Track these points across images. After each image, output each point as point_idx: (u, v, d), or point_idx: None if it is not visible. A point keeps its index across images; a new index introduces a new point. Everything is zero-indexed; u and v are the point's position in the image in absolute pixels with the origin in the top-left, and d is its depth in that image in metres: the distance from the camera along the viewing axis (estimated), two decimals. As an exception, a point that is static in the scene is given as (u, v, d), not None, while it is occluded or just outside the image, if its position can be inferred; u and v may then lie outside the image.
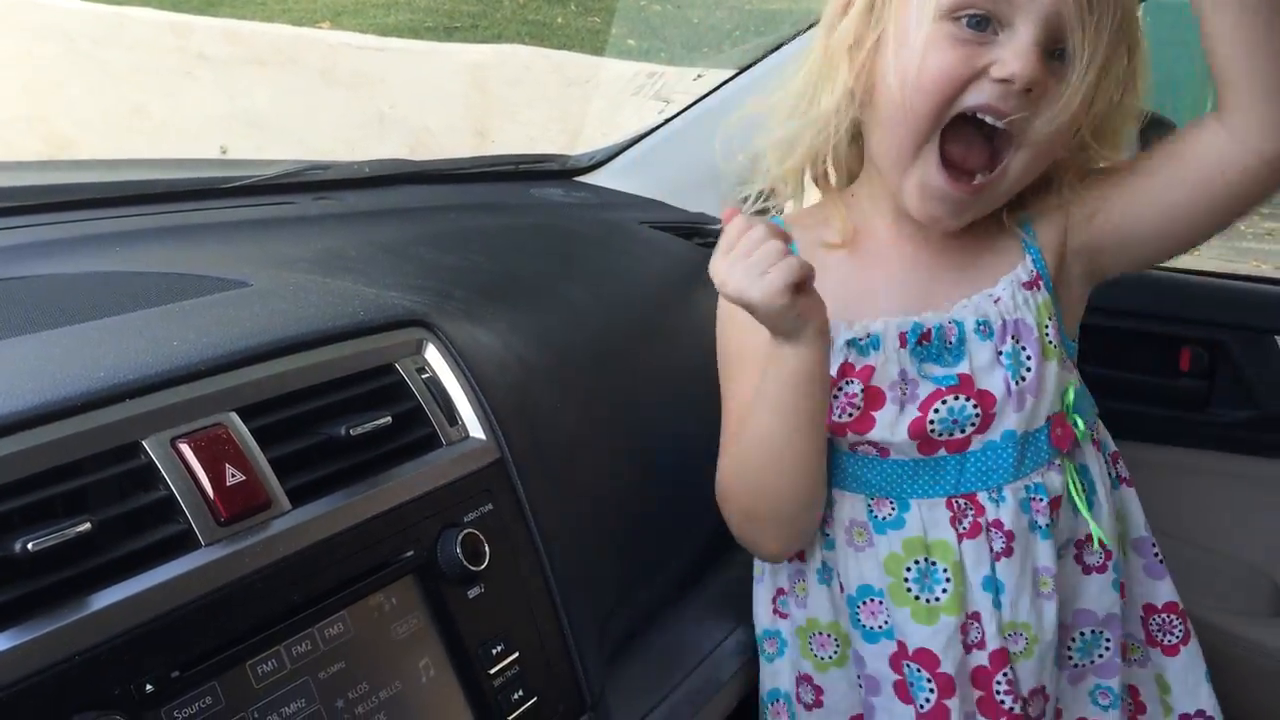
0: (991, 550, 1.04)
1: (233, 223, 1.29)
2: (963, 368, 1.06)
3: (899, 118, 1.02)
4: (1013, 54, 0.97)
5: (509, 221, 1.53)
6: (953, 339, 1.06)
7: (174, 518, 0.76)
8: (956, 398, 1.05)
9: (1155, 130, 1.97)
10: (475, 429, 0.97)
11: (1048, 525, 1.05)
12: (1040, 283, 1.09)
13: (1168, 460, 1.59)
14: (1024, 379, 1.05)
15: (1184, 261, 1.37)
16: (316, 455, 0.86)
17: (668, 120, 1.81)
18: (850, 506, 1.09)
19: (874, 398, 1.07)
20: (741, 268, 0.96)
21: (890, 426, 1.06)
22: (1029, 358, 1.06)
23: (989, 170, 1.02)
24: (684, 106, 1.80)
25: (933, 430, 1.05)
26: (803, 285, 0.95)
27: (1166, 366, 1.55)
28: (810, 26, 1.62)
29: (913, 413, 1.05)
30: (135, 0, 7.21)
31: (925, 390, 1.06)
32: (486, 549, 0.91)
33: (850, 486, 1.10)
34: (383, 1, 7.60)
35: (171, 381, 0.79)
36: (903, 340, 1.06)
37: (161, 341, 0.83)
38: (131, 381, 0.77)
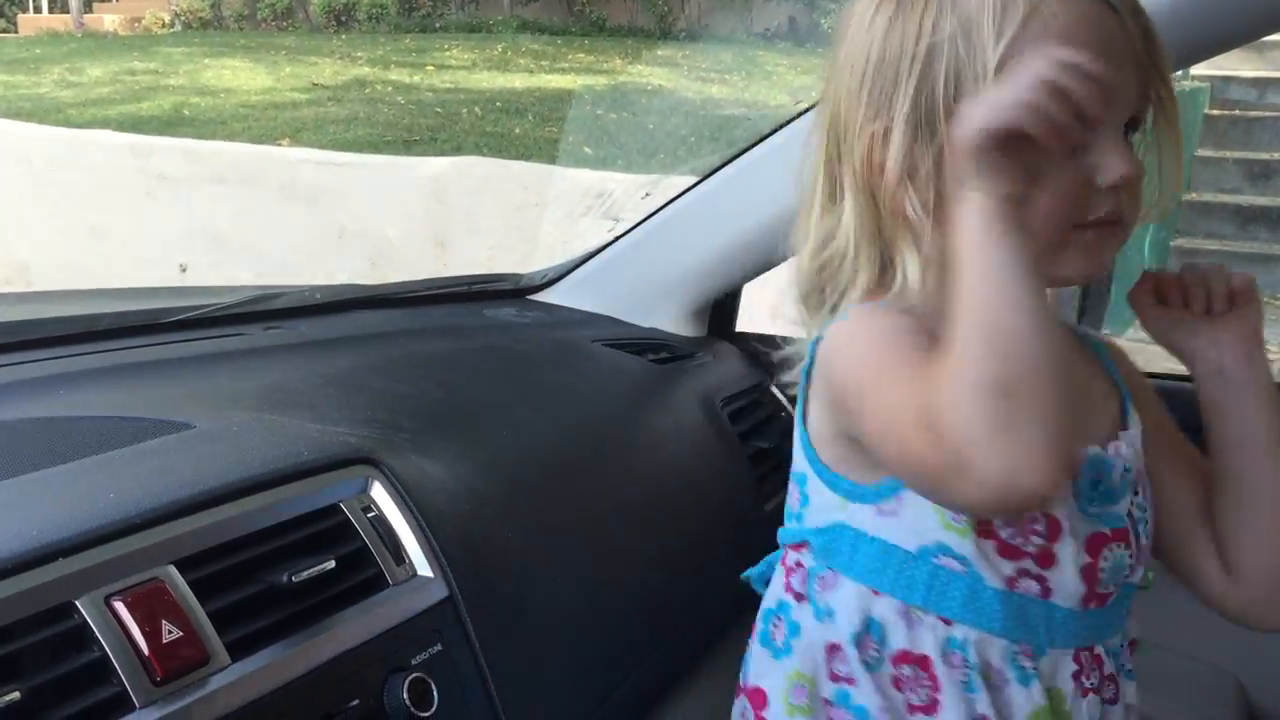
0: (1102, 700, 0.94)
1: (180, 359, 1.28)
2: (1123, 509, 0.93)
3: None
4: (1113, 154, 0.85)
5: (462, 345, 1.54)
6: (1116, 479, 0.92)
7: (108, 679, 0.74)
8: (1121, 545, 0.91)
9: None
10: (423, 567, 0.96)
11: (1132, 670, 0.97)
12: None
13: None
14: (1148, 537, 0.95)
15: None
16: (258, 604, 0.84)
17: (620, 235, 1.83)
18: (991, 650, 0.90)
19: (1053, 529, 0.90)
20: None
21: (1071, 567, 0.90)
22: (1146, 511, 0.95)
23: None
24: (636, 222, 1.83)
25: (1101, 578, 0.91)
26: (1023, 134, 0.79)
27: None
28: (761, 140, 1.66)
29: (1083, 556, 0.90)
30: (94, 123, 7.28)
31: (1088, 529, 0.91)
32: (435, 692, 0.89)
33: (994, 629, 0.90)
34: (342, 117, 7.72)
35: (107, 537, 0.78)
36: (1078, 470, 0.90)
37: (98, 494, 0.82)
38: (65, 540, 0.76)
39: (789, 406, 1.74)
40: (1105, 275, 1.97)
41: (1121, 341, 1.14)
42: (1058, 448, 0.77)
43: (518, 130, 7.42)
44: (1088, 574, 0.90)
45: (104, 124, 7.31)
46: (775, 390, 1.74)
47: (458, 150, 6.80)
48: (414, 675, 0.88)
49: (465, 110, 8.04)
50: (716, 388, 1.61)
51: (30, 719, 0.70)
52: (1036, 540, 0.89)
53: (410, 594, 0.93)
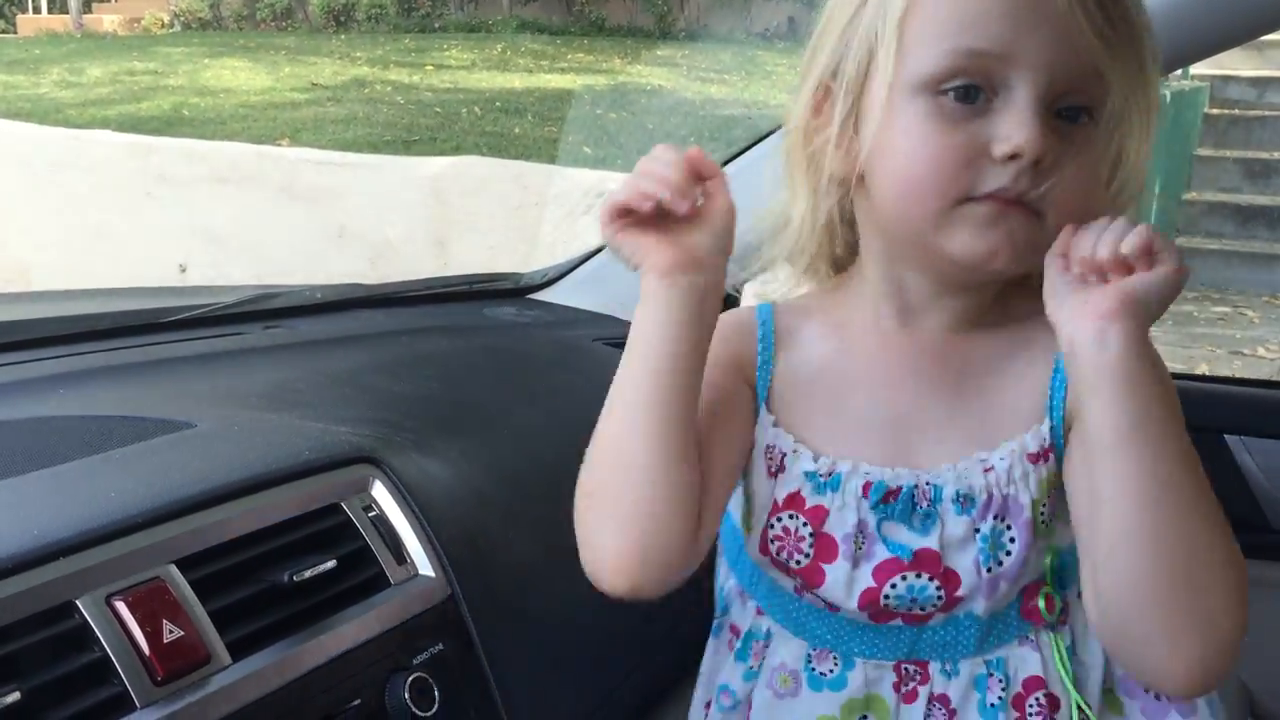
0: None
1: (181, 358, 1.28)
2: (930, 540, 0.88)
3: (897, 216, 0.86)
4: (1014, 124, 0.80)
5: (462, 344, 1.54)
6: (926, 503, 0.88)
7: (109, 679, 0.74)
8: (919, 575, 0.88)
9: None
10: (424, 566, 0.96)
11: (998, 703, 0.90)
12: (1051, 453, 0.88)
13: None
14: (1001, 563, 0.88)
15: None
16: (259, 604, 0.84)
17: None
18: (785, 649, 0.94)
19: (826, 548, 0.89)
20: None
21: (843, 588, 0.89)
22: (1012, 540, 0.88)
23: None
24: (635, 221, 1.82)
25: (887, 604, 0.89)
26: (631, 212, 0.83)
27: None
28: (763, 138, 1.66)
29: (866, 579, 0.89)
30: (94, 123, 7.28)
31: (881, 554, 0.89)
32: (436, 692, 0.89)
33: (791, 628, 0.93)
34: (341, 117, 7.71)
35: (108, 536, 0.78)
36: (866, 490, 0.89)
37: (99, 493, 0.82)
38: (66, 539, 0.76)
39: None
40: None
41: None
42: (631, 548, 0.83)
43: (517, 130, 7.42)
44: (866, 596, 0.89)
45: (104, 124, 7.31)
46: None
47: (457, 150, 6.80)
48: (415, 675, 0.88)
49: (465, 110, 8.04)
50: (717, 387, 1.61)
51: (31, 719, 0.70)
52: (800, 559, 0.90)
53: (412, 593, 0.93)
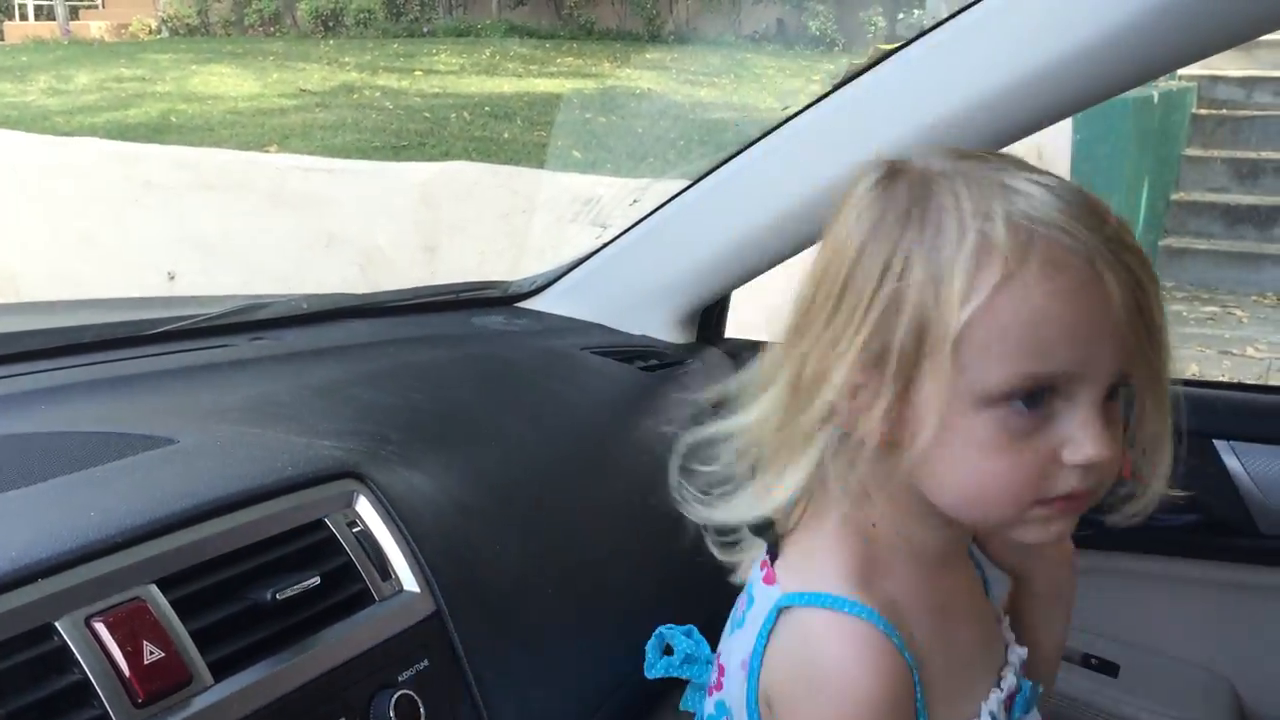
0: None
1: (165, 371, 1.27)
2: None
3: (954, 513, 0.84)
4: (1083, 433, 0.79)
5: (449, 354, 1.53)
6: None
7: (89, 702, 0.73)
8: None
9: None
10: (409, 582, 0.95)
11: None
12: None
13: (1118, 567, 1.59)
14: None
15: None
16: (242, 623, 0.83)
17: (609, 241, 1.82)
18: None
19: None
20: None
21: None
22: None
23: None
24: (625, 227, 1.82)
25: None
26: None
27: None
28: (749, 145, 1.66)
29: None
30: (81, 130, 7.25)
31: None
32: (422, 709, 0.88)
33: None
34: (330, 123, 7.70)
35: (87, 556, 0.77)
36: None
37: (79, 512, 0.81)
38: (45, 560, 0.75)
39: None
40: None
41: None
42: None
43: (506, 135, 7.42)
44: None
45: (91, 131, 7.29)
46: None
47: (446, 155, 6.80)
48: (401, 692, 0.87)
49: (454, 115, 8.03)
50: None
51: (10, 744, 0.69)
52: None
53: (397, 610, 0.92)
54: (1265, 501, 1.48)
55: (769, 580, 0.90)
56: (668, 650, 1.06)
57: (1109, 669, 1.55)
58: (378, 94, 8.91)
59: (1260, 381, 6.44)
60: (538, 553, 1.15)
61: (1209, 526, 1.51)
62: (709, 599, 1.41)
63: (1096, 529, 1.58)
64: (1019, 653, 0.99)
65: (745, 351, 1.82)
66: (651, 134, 7.34)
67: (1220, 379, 5.98)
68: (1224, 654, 1.54)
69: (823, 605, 0.84)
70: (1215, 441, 1.50)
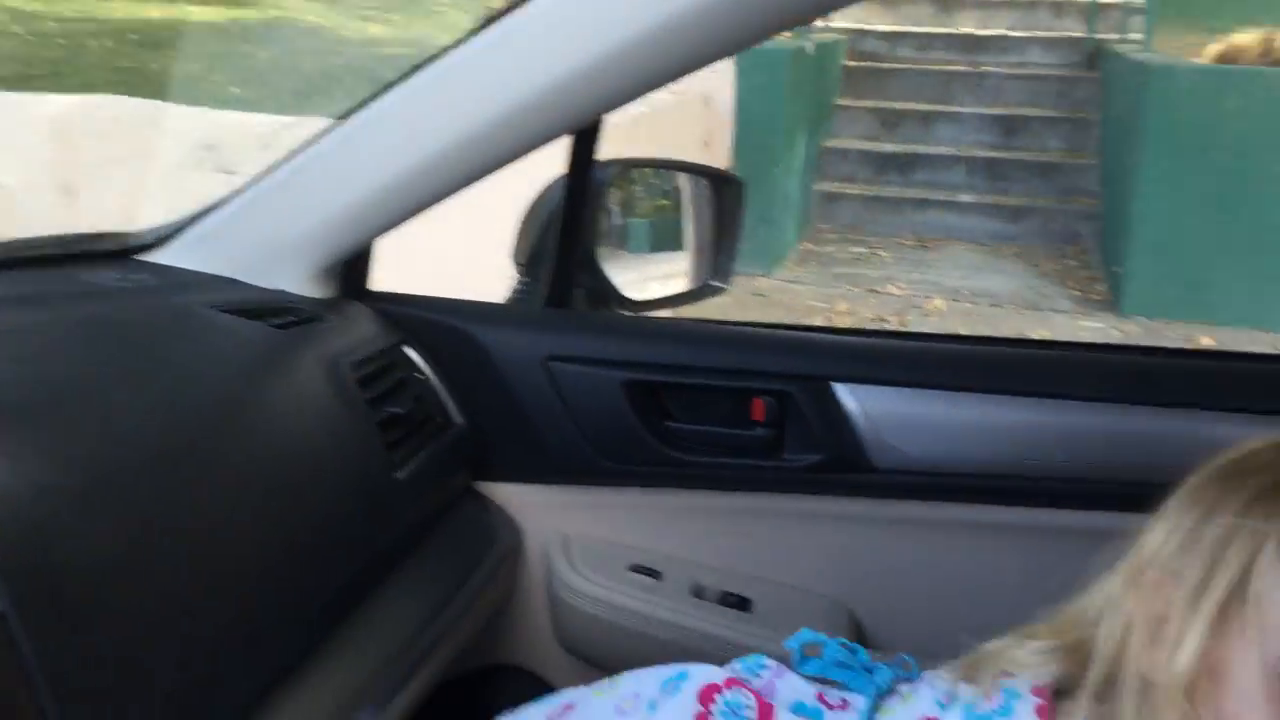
0: None
1: None
2: None
3: None
4: None
5: (48, 317, 1.38)
6: None
7: None
8: None
9: (726, 187, 2.08)
10: (-32, 583, 0.85)
11: None
12: None
13: (749, 506, 1.67)
14: None
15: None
16: None
17: (244, 187, 1.70)
18: None
19: None
20: None
21: None
22: None
23: None
24: (262, 172, 1.70)
25: None
26: None
27: (742, 418, 1.63)
28: (396, 83, 1.58)
29: None
30: None
31: None
32: (-14, 726, 0.79)
33: None
34: (-56, 48, 6.87)
35: None
36: None
37: None
38: None
39: (425, 369, 1.69)
40: (740, 224, 2.05)
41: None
42: None
43: (155, 66, 6.87)
44: None
45: None
46: (410, 352, 1.69)
47: (86, 87, 6.22)
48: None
49: (94, 42, 7.36)
50: (344, 352, 1.54)
51: None
52: None
53: (-48, 616, 0.82)
54: (875, 437, 1.59)
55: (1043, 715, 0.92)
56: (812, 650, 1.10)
57: (743, 604, 1.63)
58: (5, 16, 8.02)
59: (899, 319, 7.00)
60: (145, 536, 1.05)
61: (831, 464, 1.61)
62: (353, 563, 1.36)
63: (727, 470, 1.66)
64: None
65: (392, 306, 1.77)
66: (319, 70, 7.01)
67: (839, 325, 6.44)
68: (846, 584, 1.65)
69: None
70: (834, 384, 1.59)
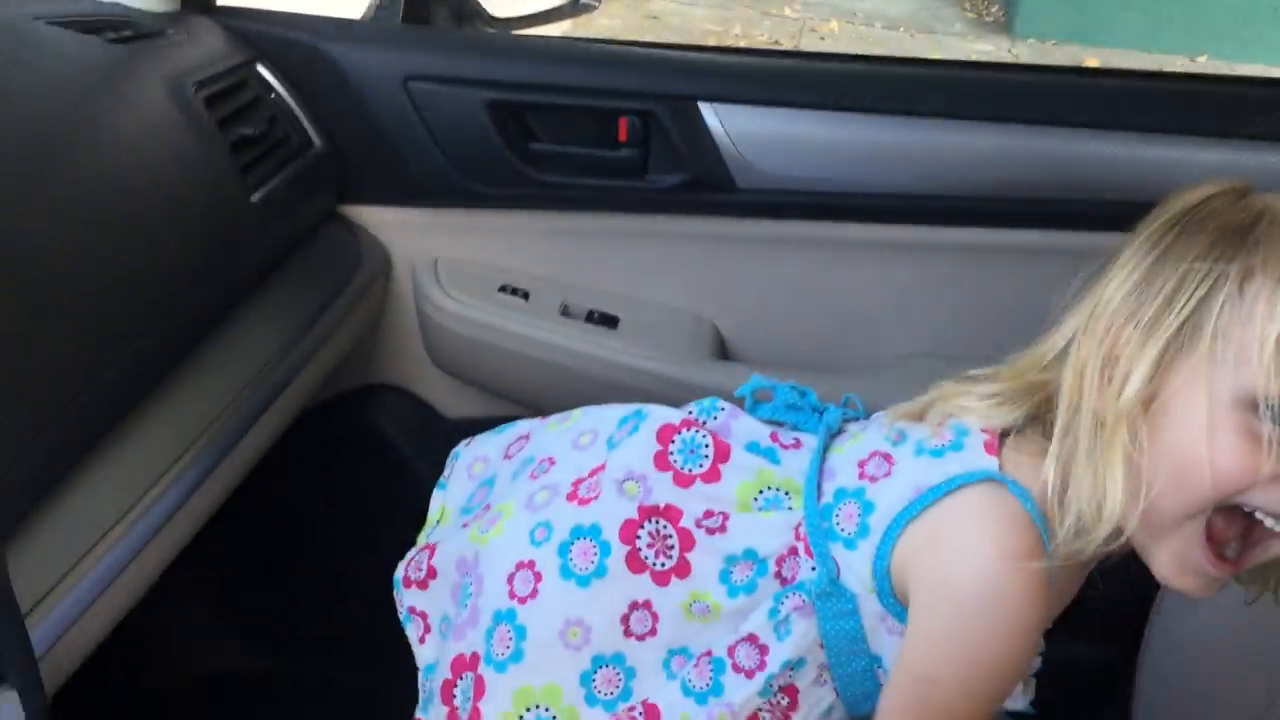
0: None
1: None
2: None
3: (1170, 493, 0.88)
4: None
5: None
6: None
7: None
8: None
9: None
10: None
11: None
12: None
13: (614, 226, 1.68)
14: None
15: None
16: None
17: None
18: None
19: None
20: None
21: None
22: None
23: (1241, 544, 0.91)
24: None
25: None
26: None
27: (606, 138, 1.61)
28: None
29: None
30: None
31: None
32: None
33: None
34: None
35: None
36: None
37: None
38: None
39: (280, 88, 1.63)
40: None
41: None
42: None
43: None
44: None
45: None
46: (263, 70, 1.62)
47: None
48: None
49: None
50: (189, 69, 1.46)
51: None
52: None
53: None
54: (737, 156, 1.59)
55: (990, 450, 0.94)
56: (764, 395, 1.12)
57: (609, 322, 1.67)
58: None
59: (793, 41, 6.88)
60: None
61: (694, 184, 1.62)
62: (196, 295, 1.33)
63: (592, 191, 1.66)
64: None
65: (242, 21, 1.68)
66: None
67: (707, 44, 6.28)
68: (708, 299, 1.70)
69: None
70: (700, 104, 1.58)
